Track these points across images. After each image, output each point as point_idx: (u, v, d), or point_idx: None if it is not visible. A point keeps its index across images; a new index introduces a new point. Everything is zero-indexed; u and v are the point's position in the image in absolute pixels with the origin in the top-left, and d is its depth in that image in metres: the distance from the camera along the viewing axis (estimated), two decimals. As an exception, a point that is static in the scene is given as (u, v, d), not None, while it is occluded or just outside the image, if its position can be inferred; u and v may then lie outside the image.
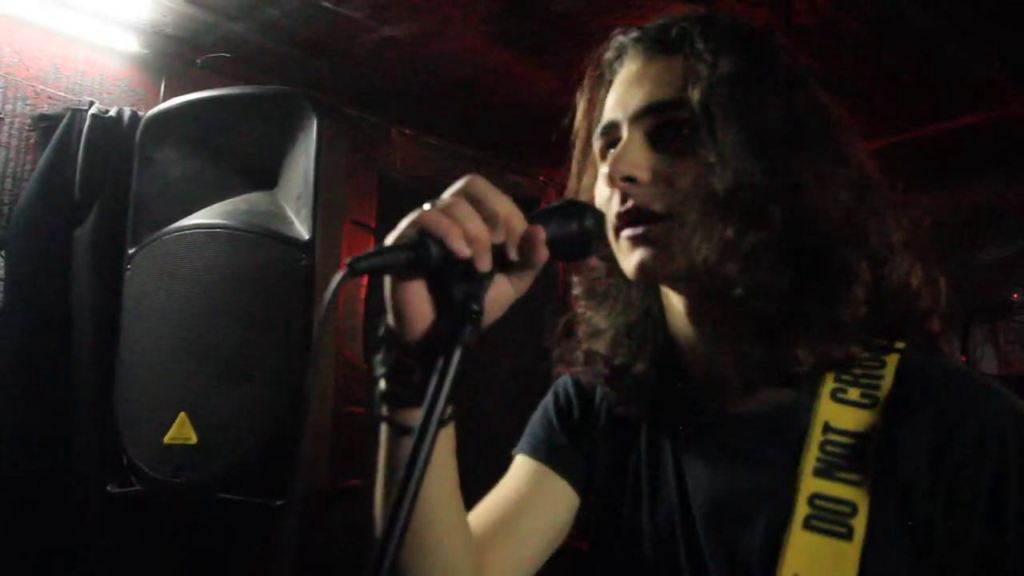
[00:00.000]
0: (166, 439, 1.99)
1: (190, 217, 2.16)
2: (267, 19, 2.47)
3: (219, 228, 2.09)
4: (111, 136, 2.43)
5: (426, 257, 0.70)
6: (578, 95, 1.06)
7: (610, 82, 1.01)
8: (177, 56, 2.72)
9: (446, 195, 0.75)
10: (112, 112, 2.47)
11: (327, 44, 2.65)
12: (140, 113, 2.41)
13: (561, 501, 1.09)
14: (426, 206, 0.74)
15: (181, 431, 1.97)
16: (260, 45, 2.66)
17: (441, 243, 0.71)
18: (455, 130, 3.42)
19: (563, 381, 1.19)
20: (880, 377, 0.92)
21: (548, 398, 1.19)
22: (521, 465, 1.12)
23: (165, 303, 2.08)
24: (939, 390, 0.90)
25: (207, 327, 2.01)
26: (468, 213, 0.73)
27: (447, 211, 0.72)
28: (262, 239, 2.03)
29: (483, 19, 2.43)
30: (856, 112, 2.15)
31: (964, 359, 3.51)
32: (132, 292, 2.16)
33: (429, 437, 0.66)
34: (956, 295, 3.36)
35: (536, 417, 1.18)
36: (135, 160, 2.25)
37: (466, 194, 0.74)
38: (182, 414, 1.98)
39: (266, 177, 2.18)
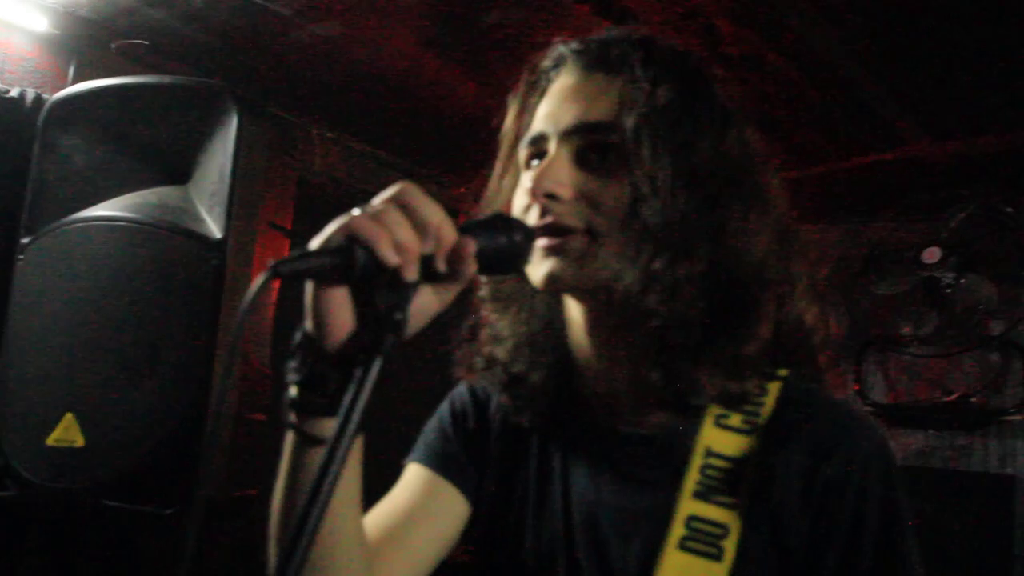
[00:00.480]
0: (49, 440, 1.85)
1: (93, 208, 2.04)
2: (189, 8, 2.36)
3: (124, 221, 1.98)
4: (11, 117, 2.28)
5: (352, 263, 0.68)
6: (510, 97, 1.05)
7: (544, 90, 1.00)
8: (90, 39, 2.57)
9: (377, 201, 0.73)
10: (14, 92, 2.32)
11: (251, 38, 2.55)
12: (45, 96, 2.27)
13: (452, 511, 1.08)
14: (355, 211, 0.71)
15: (67, 433, 1.84)
16: (180, 34, 2.54)
17: (369, 250, 0.68)
18: (378, 135, 3.36)
19: (459, 390, 1.18)
20: (761, 404, 0.96)
21: (444, 406, 1.18)
22: (413, 474, 1.10)
23: (59, 297, 1.95)
24: (814, 418, 0.94)
25: (103, 324, 1.90)
26: (398, 220, 0.70)
27: (377, 217, 0.70)
28: (171, 235, 1.94)
29: (415, 25, 2.40)
30: (773, 142, 2.20)
31: (856, 388, 3.65)
32: (23, 283, 2.02)
33: (343, 449, 0.63)
34: (852, 326, 3.50)
35: (431, 425, 1.17)
36: (36, 144, 2.11)
37: (397, 201, 0.72)
38: (68, 415, 1.85)
39: (179, 171, 2.08)
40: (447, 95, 2.87)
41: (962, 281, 3.22)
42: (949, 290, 3.24)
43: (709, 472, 0.94)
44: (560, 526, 1.02)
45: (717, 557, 0.90)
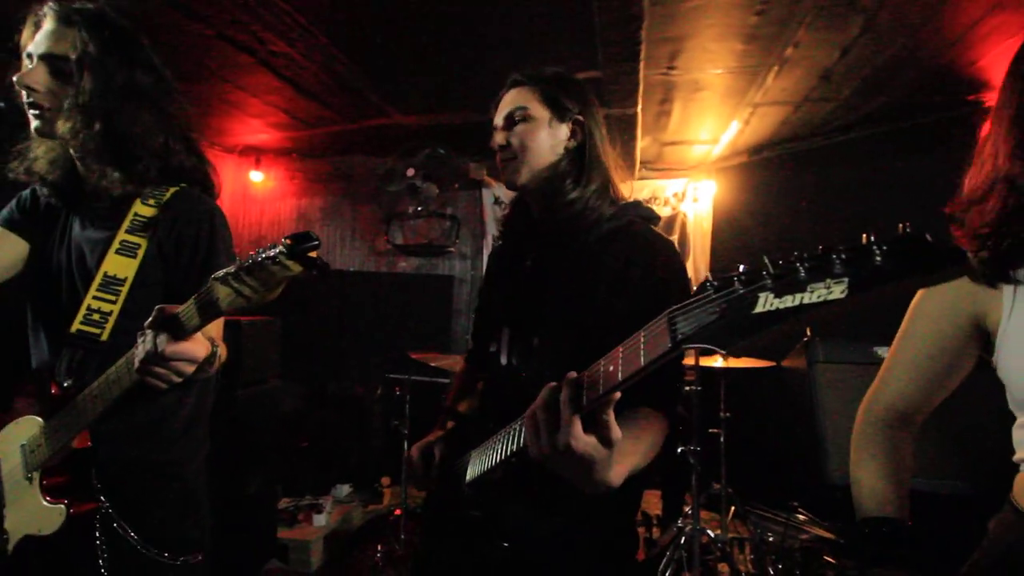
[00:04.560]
0: None
1: None
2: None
3: None
4: None
5: None
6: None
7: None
8: None
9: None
10: None
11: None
12: None
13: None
14: None
15: None
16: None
17: None
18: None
19: None
20: (164, 195, 1.63)
21: None
22: None
23: None
24: (178, 206, 1.61)
25: None
26: None
27: None
28: None
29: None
30: (325, 108, 4.51)
31: (386, 237, 6.60)
32: None
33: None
34: (384, 207, 7.07)
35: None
36: None
37: None
38: None
39: None
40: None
41: (427, 184, 6.14)
42: (420, 190, 6.01)
43: (134, 221, 1.57)
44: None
45: (133, 256, 1.54)
